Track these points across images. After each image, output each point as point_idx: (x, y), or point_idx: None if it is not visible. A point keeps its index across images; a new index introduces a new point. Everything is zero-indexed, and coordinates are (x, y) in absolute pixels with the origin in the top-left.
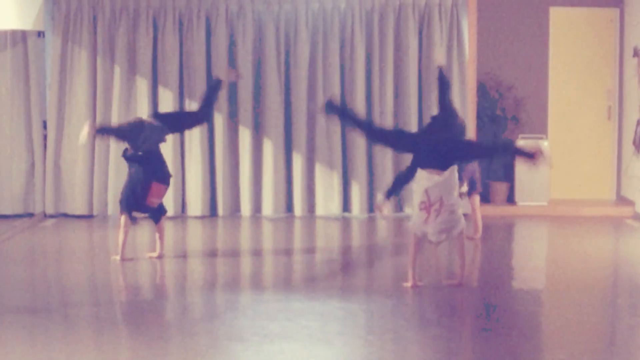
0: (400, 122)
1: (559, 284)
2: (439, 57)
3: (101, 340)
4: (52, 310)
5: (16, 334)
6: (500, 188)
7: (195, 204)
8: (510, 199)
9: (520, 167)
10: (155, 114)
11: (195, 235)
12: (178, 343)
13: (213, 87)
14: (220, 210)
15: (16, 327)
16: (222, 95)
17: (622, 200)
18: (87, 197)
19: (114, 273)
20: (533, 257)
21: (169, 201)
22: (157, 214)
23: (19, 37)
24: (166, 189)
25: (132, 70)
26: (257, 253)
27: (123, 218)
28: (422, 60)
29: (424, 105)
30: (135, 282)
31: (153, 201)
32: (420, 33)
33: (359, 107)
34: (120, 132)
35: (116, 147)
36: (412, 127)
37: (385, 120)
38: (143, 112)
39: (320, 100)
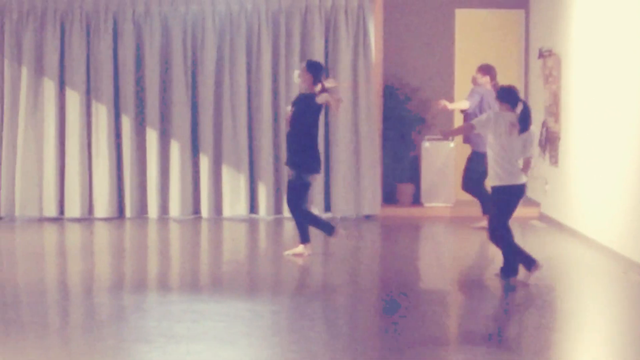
0: None
1: (464, 284)
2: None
3: (8, 342)
4: None
5: None
6: (406, 189)
7: (102, 206)
8: (416, 200)
9: (427, 169)
10: None
11: (103, 237)
12: (84, 344)
13: None
14: (128, 212)
15: None
16: (129, 97)
17: (527, 201)
18: None
19: (21, 275)
20: (439, 258)
21: (75, 203)
22: None
23: None
24: None
25: (39, 71)
26: (164, 254)
27: None
28: (329, 61)
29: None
30: (42, 283)
31: None
32: (326, 35)
33: (265, 109)
34: None
35: (23, 148)
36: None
37: None
38: (50, 114)
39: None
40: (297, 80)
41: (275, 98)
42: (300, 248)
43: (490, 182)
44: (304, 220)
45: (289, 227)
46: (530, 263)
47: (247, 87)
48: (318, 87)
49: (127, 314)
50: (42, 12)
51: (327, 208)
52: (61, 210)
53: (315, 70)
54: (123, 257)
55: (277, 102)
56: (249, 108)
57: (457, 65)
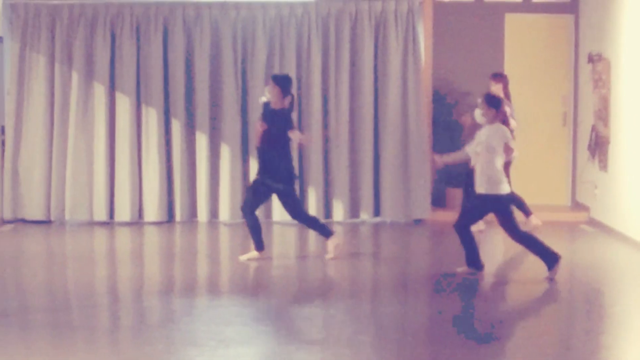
0: (356, 128)
1: (516, 289)
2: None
3: (58, 345)
4: (9, 315)
5: None
6: (456, 194)
7: (152, 210)
8: None
9: None
10: None
11: (152, 241)
12: (134, 348)
13: None
14: (178, 216)
15: None
16: (179, 101)
17: (577, 205)
18: (45, 203)
19: (71, 278)
20: (488, 262)
21: (125, 207)
22: None
23: None
24: None
25: (89, 76)
26: (213, 258)
27: None
28: (378, 66)
29: (379, 111)
30: (92, 287)
31: None
32: (376, 39)
33: (315, 112)
34: None
35: (74, 152)
36: (367, 132)
37: (341, 125)
38: (100, 118)
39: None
40: (267, 96)
41: (325, 102)
42: (330, 246)
43: (499, 191)
44: (251, 225)
45: (339, 231)
46: (477, 265)
47: (296, 91)
48: (288, 100)
49: (176, 317)
50: (93, 16)
51: (377, 212)
52: (111, 214)
53: (283, 84)
54: (173, 260)
55: (327, 106)
56: (299, 112)
57: (506, 70)
